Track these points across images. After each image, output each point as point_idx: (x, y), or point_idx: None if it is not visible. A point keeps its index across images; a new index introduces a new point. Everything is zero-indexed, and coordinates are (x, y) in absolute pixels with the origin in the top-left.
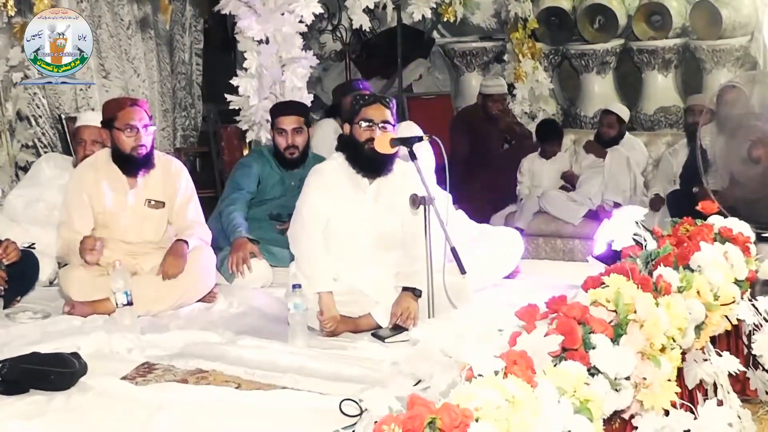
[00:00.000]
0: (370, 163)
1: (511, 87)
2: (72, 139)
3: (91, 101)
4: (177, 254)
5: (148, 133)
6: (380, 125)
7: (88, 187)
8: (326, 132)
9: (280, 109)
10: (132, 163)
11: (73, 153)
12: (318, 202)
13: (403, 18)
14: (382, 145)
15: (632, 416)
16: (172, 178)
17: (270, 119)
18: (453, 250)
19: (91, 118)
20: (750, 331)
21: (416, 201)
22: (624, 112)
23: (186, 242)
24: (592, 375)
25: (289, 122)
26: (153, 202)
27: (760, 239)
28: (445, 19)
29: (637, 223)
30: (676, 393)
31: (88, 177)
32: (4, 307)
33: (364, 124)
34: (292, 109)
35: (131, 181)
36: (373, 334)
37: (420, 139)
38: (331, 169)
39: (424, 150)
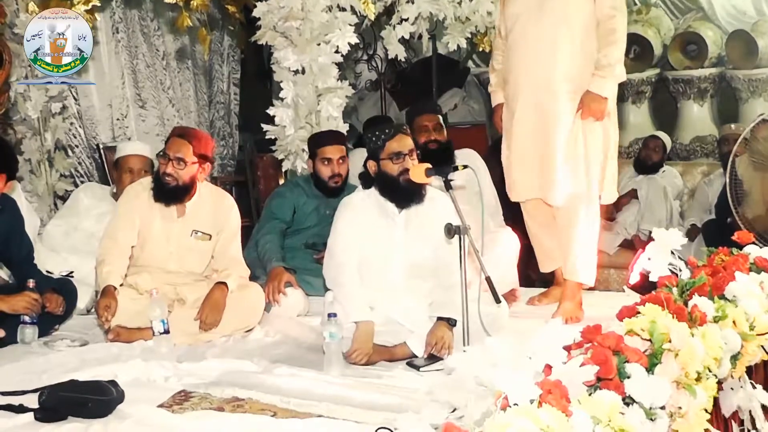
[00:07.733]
0: (406, 194)
1: None
2: (113, 167)
3: (128, 131)
4: (216, 304)
5: (181, 167)
6: (408, 154)
7: (141, 207)
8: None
9: (324, 138)
10: (159, 189)
11: (113, 182)
12: (349, 235)
13: (439, 48)
14: (417, 176)
15: None
16: (223, 212)
17: (308, 149)
18: (488, 279)
19: (139, 148)
20: None
21: (451, 230)
22: (668, 140)
23: (226, 286)
24: (627, 404)
25: (334, 151)
26: (200, 234)
27: None
28: (481, 49)
29: (672, 252)
30: (711, 422)
31: (142, 198)
32: (43, 335)
33: (394, 158)
34: (336, 139)
35: (180, 210)
36: (408, 363)
37: (455, 168)
38: (359, 200)
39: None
